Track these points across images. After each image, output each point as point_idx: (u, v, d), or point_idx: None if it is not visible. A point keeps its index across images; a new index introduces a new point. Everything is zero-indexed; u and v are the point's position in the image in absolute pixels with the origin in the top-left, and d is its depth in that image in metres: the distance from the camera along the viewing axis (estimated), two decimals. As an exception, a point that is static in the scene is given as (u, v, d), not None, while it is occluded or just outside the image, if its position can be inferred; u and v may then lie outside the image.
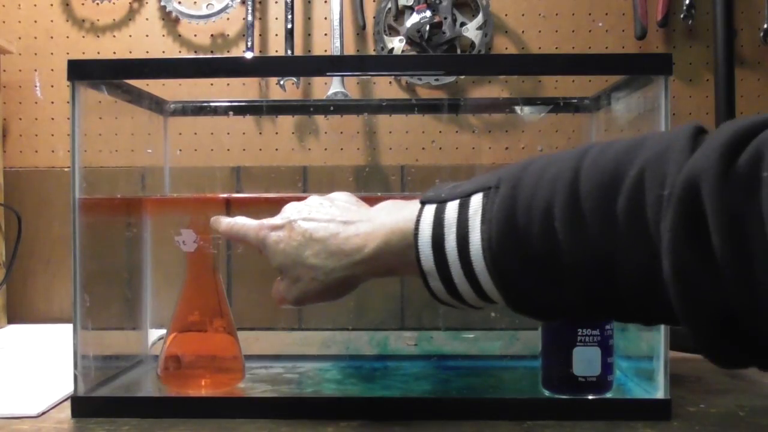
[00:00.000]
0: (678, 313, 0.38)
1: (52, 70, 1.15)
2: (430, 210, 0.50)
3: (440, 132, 1.13)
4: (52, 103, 1.15)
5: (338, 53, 1.10)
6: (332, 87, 1.09)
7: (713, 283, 0.36)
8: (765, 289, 0.34)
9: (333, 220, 0.56)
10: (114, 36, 1.15)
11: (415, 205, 0.52)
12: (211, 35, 1.15)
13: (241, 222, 0.62)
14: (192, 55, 1.14)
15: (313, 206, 0.58)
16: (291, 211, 0.59)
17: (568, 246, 0.42)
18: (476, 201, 0.48)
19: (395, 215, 0.53)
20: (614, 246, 0.41)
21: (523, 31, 1.14)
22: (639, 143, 0.42)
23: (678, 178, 0.37)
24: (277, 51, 1.14)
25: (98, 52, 1.14)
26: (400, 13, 1.13)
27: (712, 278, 0.36)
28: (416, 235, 0.50)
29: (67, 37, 1.15)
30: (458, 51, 1.12)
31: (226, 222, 0.64)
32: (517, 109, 0.94)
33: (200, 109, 0.95)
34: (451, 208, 0.49)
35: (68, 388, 0.69)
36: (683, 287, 0.37)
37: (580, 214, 0.42)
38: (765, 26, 1.11)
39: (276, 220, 0.59)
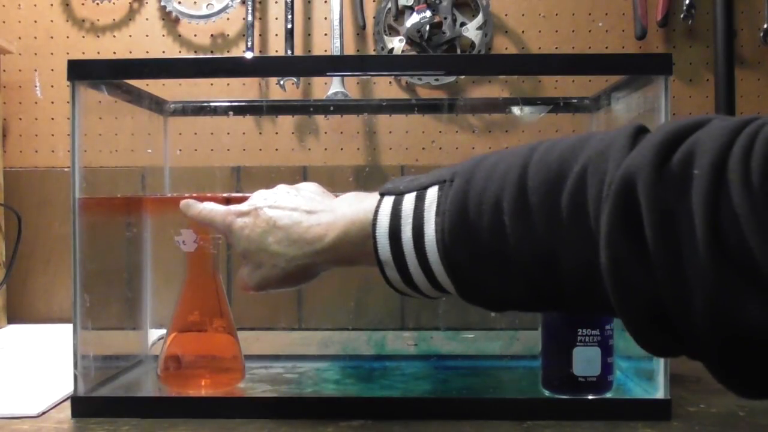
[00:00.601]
0: (614, 304, 0.40)
1: (52, 70, 1.15)
2: (388, 201, 0.52)
3: (440, 132, 1.13)
4: (52, 103, 1.15)
5: (338, 53, 1.10)
6: (332, 87, 1.09)
7: (646, 275, 0.37)
8: (692, 283, 0.35)
9: (297, 209, 0.57)
10: (114, 36, 1.15)
11: (375, 196, 0.53)
12: (211, 35, 1.15)
13: (209, 207, 0.64)
14: (192, 55, 1.14)
15: (279, 194, 0.60)
16: (258, 198, 0.60)
17: (515, 239, 0.44)
18: (432, 194, 0.49)
19: (355, 206, 0.55)
20: (558, 240, 0.42)
21: (523, 31, 1.14)
22: (583, 141, 0.43)
23: (616, 174, 0.39)
24: (277, 51, 1.14)
25: (98, 52, 1.14)
26: (400, 13, 1.13)
27: (644, 271, 0.37)
28: (374, 225, 0.52)
29: (67, 37, 1.15)
30: (458, 51, 1.12)
31: (195, 207, 0.65)
32: (516, 110, 0.94)
33: (200, 109, 0.95)
34: (408, 200, 0.51)
35: (68, 388, 0.69)
36: (618, 279, 0.39)
37: (527, 209, 0.43)
38: (765, 26, 1.11)
39: (242, 206, 0.60)
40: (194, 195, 0.67)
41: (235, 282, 0.62)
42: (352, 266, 0.57)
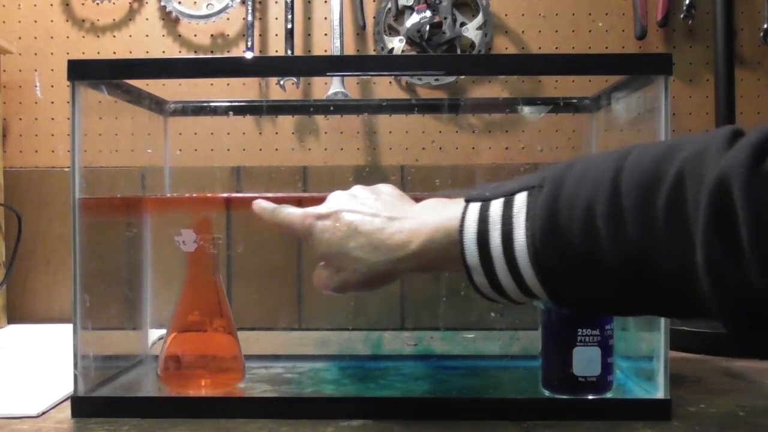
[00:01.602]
0: (711, 305, 0.40)
1: (52, 70, 1.15)
2: (474, 208, 0.52)
3: (440, 132, 1.13)
4: (52, 103, 1.15)
5: (338, 53, 1.10)
6: (332, 87, 1.09)
7: (741, 275, 0.38)
8: None
9: (378, 214, 0.57)
10: (114, 36, 1.15)
11: (459, 203, 0.54)
12: (211, 35, 1.15)
13: (287, 210, 0.63)
14: (192, 55, 1.14)
15: (359, 198, 0.60)
16: (337, 201, 0.60)
17: (609, 242, 0.44)
18: (520, 199, 0.50)
19: (439, 213, 0.55)
20: (654, 241, 0.43)
21: (523, 31, 1.14)
22: (679, 144, 0.44)
23: (711, 174, 0.39)
24: (277, 51, 1.14)
25: (98, 52, 1.14)
26: (400, 13, 1.13)
27: (740, 271, 0.38)
28: (461, 231, 0.52)
29: (67, 37, 1.15)
30: (458, 51, 1.12)
31: (270, 208, 0.64)
32: (521, 109, 0.94)
33: (200, 109, 0.95)
34: (496, 206, 0.51)
35: (68, 388, 0.69)
36: (714, 279, 0.39)
37: (621, 212, 0.44)
38: (765, 26, 1.11)
39: (321, 209, 0.60)
40: (193, 195, 0.67)
41: (313, 280, 0.62)
42: (434, 272, 0.58)
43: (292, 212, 0.62)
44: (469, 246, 0.51)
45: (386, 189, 0.62)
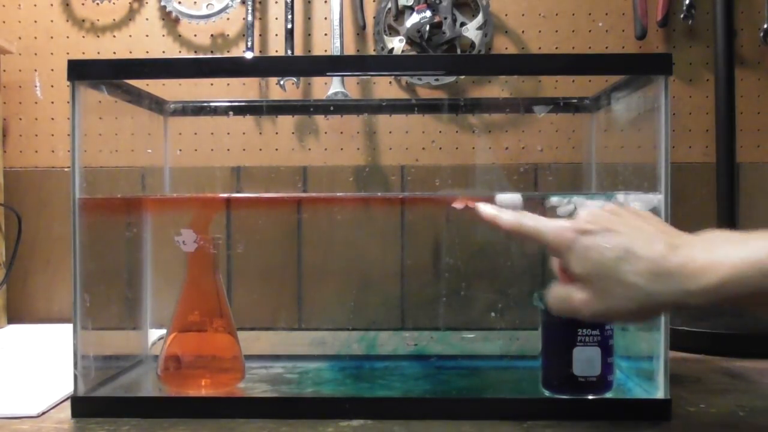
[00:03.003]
0: None
1: (52, 70, 1.15)
2: None
3: (440, 132, 1.13)
4: (52, 103, 1.15)
5: (338, 53, 1.10)
6: (332, 87, 1.09)
7: None
8: None
9: (655, 239, 0.52)
10: (114, 36, 1.15)
11: (763, 236, 0.48)
12: (211, 35, 1.15)
13: (535, 219, 0.58)
14: (192, 55, 1.14)
15: (623, 217, 0.55)
16: (598, 217, 0.56)
17: None
18: None
19: (741, 246, 0.49)
20: None
21: (523, 31, 1.14)
22: None
23: None
24: (277, 51, 1.14)
25: (98, 52, 1.14)
26: (400, 13, 1.13)
27: None
28: None
29: (67, 37, 1.15)
30: (458, 51, 1.12)
31: (512, 215, 0.59)
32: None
33: (200, 109, 0.95)
34: None
35: (68, 388, 0.69)
36: None
37: None
38: (765, 26, 1.11)
39: (583, 224, 0.55)
40: (193, 195, 0.67)
41: (553, 298, 0.58)
42: (730, 307, 0.51)
43: (542, 222, 0.57)
44: None
45: (642, 211, 0.57)
